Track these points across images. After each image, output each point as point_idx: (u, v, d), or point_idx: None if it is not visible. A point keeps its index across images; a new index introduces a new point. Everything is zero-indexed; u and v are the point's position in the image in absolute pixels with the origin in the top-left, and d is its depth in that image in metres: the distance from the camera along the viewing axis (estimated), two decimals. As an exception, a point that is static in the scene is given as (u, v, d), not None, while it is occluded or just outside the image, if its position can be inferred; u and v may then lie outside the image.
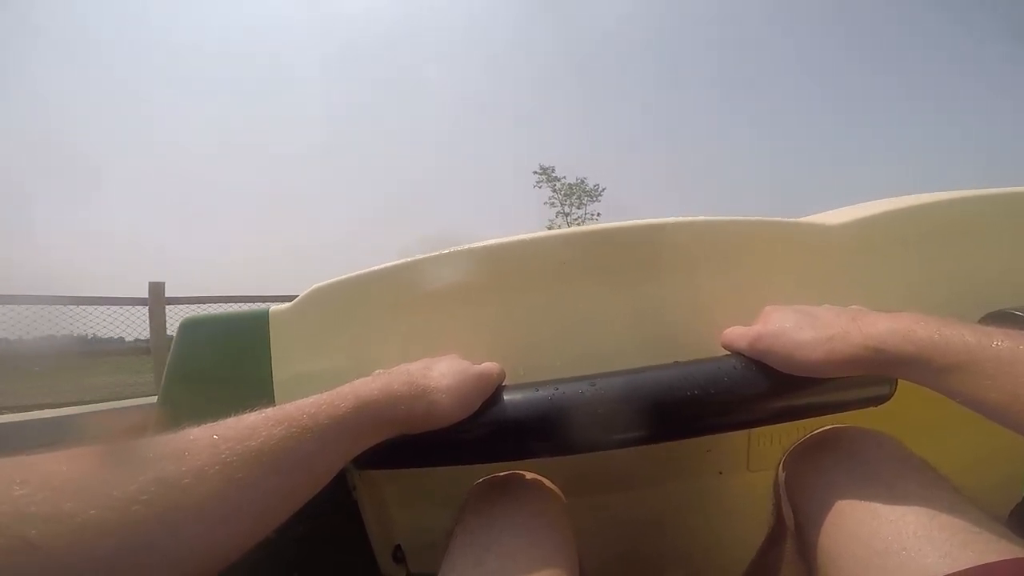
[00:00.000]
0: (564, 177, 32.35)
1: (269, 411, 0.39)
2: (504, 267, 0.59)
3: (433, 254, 0.60)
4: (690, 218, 0.59)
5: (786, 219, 0.62)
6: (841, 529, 0.43)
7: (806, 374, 0.46)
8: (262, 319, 0.62)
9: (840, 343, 0.44)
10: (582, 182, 32.35)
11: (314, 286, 0.62)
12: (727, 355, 0.53)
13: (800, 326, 0.47)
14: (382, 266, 0.60)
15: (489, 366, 0.53)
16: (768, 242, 0.60)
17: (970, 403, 0.38)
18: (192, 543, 0.32)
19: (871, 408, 0.50)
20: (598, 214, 33.16)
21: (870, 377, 0.46)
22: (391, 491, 0.71)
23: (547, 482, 0.56)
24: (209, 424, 0.36)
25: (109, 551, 0.28)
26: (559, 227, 31.50)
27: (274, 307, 0.63)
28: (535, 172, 32.10)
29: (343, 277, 0.61)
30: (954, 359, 0.38)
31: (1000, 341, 0.37)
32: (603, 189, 32.91)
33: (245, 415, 0.38)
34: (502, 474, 0.56)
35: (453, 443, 0.49)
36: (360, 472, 0.65)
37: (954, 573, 0.35)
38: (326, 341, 0.61)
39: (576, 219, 32.25)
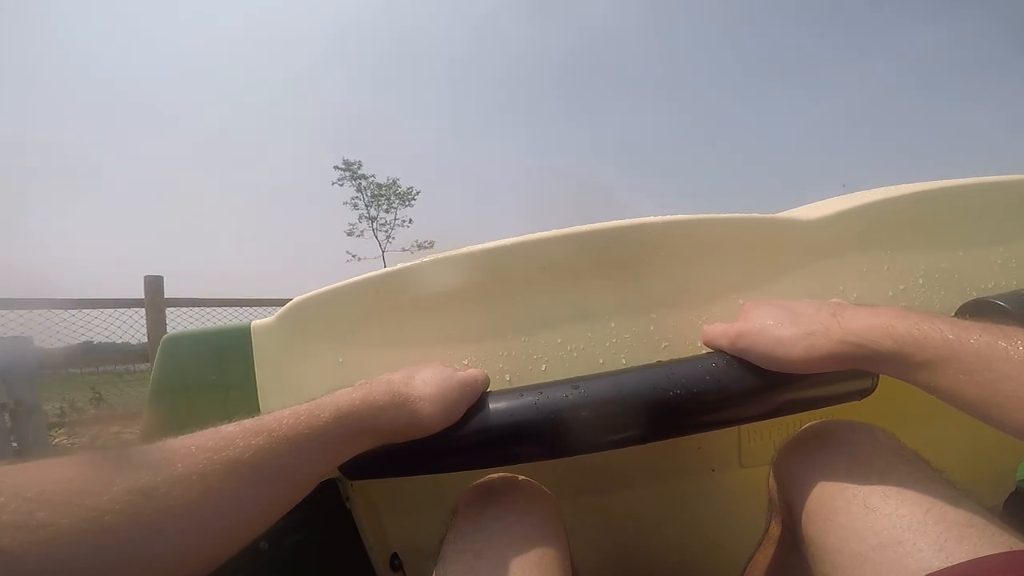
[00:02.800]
0: (373, 175, 28.92)
1: (247, 422, 0.39)
2: (485, 273, 0.59)
3: (413, 262, 0.60)
4: (668, 217, 0.59)
5: (764, 215, 0.62)
6: (836, 523, 0.43)
7: (786, 371, 0.46)
8: (244, 333, 0.62)
9: (820, 339, 0.44)
10: (394, 183, 28.98)
11: (295, 299, 0.62)
12: (709, 353, 0.53)
13: (780, 322, 0.47)
14: (363, 276, 0.61)
15: (473, 373, 0.53)
16: (747, 239, 0.60)
17: (948, 398, 0.38)
18: (167, 552, 0.32)
19: (863, 401, 0.50)
20: (410, 220, 30.03)
21: (852, 372, 0.46)
22: (384, 500, 0.71)
23: (538, 485, 0.56)
24: (187, 435, 0.36)
25: (82, 560, 0.28)
26: (361, 233, 27.68)
27: (255, 321, 0.63)
28: (336, 167, 28.24)
29: (324, 289, 0.61)
30: (933, 354, 0.38)
31: (979, 336, 0.37)
32: (417, 192, 29.61)
33: (223, 426, 0.38)
34: (493, 478, 0.56)
35: (440, 451, 0.49)
36: (352, 482, 0.65)
37: (949, 567, 0.35)
38: (309, 353, 0.61)
39: (382, 225, 29.27)
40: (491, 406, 0.50)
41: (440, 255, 0.60)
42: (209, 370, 0.63)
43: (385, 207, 29.38)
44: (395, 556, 0.74)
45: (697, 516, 0.72)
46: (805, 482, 0.48)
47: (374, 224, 29.47)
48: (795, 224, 0.61)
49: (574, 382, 0.51)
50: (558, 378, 0.53)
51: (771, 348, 0.46)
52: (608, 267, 0.59)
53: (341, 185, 28.66)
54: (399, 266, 0.60)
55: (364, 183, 28.78)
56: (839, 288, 0.59)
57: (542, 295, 0.59)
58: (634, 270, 0.59)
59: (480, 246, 0.60)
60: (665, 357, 0.55)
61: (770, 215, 0.63)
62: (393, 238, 29.71)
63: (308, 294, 0.62)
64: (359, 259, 29.06)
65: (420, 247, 29.91)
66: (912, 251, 0.61)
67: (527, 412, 0.49)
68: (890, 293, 0.60)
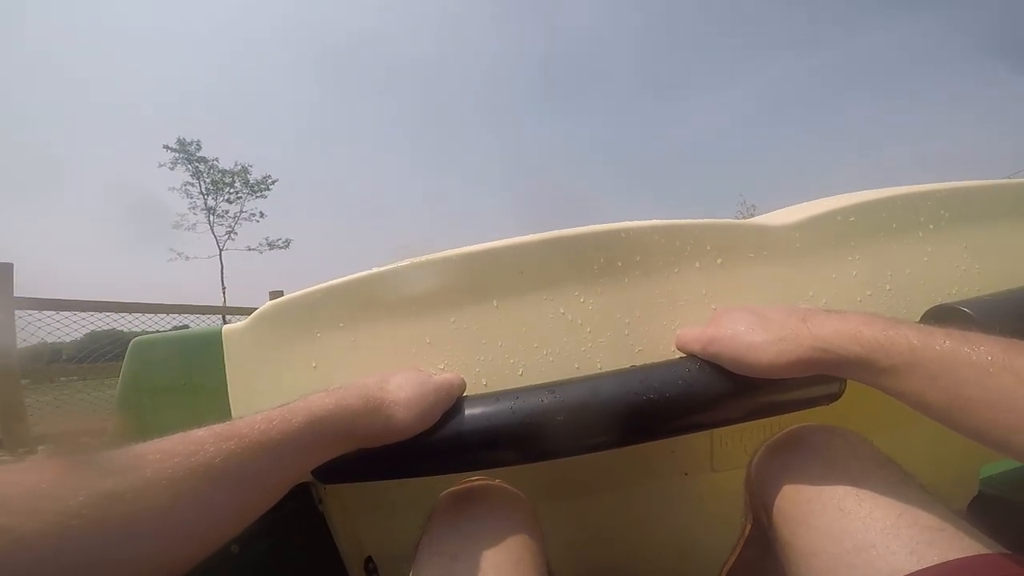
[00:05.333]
0: (215, 159, 24.71)
1: (218, 427, 0.38)
2: (461, 277, 0.59)
3: (387, 267, 0.60)
4: (643, 222, 0.60)
5: (737, 221, 0.63)
6: (811, 527, 0.44)
7: (756, 375, 0.47)
8: (215, 338, 0.61)
9: (789, 344, 0.44)
10: (244, 170, 25.23)
11: (267, 303, 0.61)
12: (682, 358, 0.53)
13: (751, 328, 0.48)
14: (336, 281, 0.60)
15: (448, 377, 0.53)
16: (721, 244, 0.60)
17: (913, 403, 0.39)
18: (135, 557, 0.32)
19: (834, 406, 0.51)
20: (261, 214, 26.30)
21: (820, 377, 0.47)
22: (358, 503, 0.70)
23: (513, 489, 0.56)
24: (156, 440, 0.36)
25: (47, 564, 0.28)
26: (193, 226, 24.57)
27: (227, 326, 0.62)
28: (167, 147, 23.91)
29: (297, 293, 0.61)
30: (898, 360, 0.39)
31: (943, 342, 0.38)
32: (274, 181, 25.94)
33: (193, 431, 0.37)
34: (468, 483, 0.56)
35: (415, 455, 0.49)
36: (326, 486, 0.65)
37: (921, 570, 0.36)
38: (282, 358, 0.60)
39: (221, 217, 25.21)
40: (467, 411, 0.50)
41: (416, 259, 0.60)
42: (179, 375, 0.62)
43: (228, 196, 25.35)
44: (369, 560, 0.74)
45: (671, 519, 0.73)
46: (781, 485, 0.49)
47: (212, 216, 25.35)
48: (767, 230, 0.62)
49: (550, 387, 0.51)
50: (534, 383, 0.53)
51: (742, 353, 0.47)
52: (584, 272, 0.59)
53: (171, 168, 24.36)
54: (374, 270, 0.60)
55: (202, 167, 24.46)
56: (809, 293, 0.61)
57: (518, 299, 0.59)
58: (609, 275, 0.59)
59: (456, 250, 0.60)
60: (639, 362, 0.55)
61: (743, 220, 0.64)
62: (236, 234, 25.98)
63: (281, 298, 0.61)
64: (187, 258, 25.22)
65: (272, 246, 26.56)
66: (880, 257, 0.62)
67: (503, 417, 0.49)
68: (858, 298, 0.61)
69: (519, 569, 0.46)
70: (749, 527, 0.58)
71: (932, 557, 0.37)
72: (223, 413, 0.58)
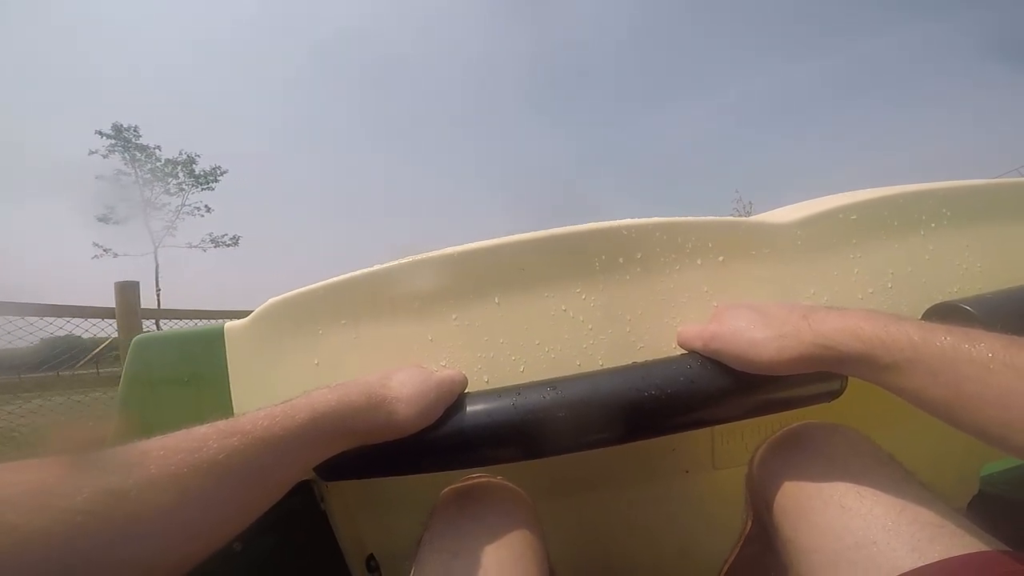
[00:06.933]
0: (157, 147, 22.68)
1: (221, 423, 0.38)
2: (463, 275, 0.59)
3: (389, 264, 0.60)
4: (645, 220, 0.60)
5: (738, 218, 0.63)
6: (812, 524, 0.44)
7: (758, 372, 0.47)
8: (217, 335, 0.62)
9: (791, 341, 0.44)
10: (190, 159, 23.36)
11: (269, 300, 0.61)
12: (683, 354, 0.53)
13: (752, 324, 0.48)
14: (339, 278, 0.60)
15: (450, 373, 0.53)
16: (722, 241, 0.61)
17: (914, 400, 0.39)
18: (140, 554, 0.32)
19: (835, 403, 0.51)
20: (207, 207, 24.22)
21: (822, 373, 0.47)
22: (360, 501, 0.70)
23: (514, 487, 0.57)
24: (159, 436, 0.36)
25: (54, 562, 0.28)
26: (125, 220, 21.78)
27: (229, 323, 0.62)
28: (100, 133, 21.87)
29: (299, 290, 0.61)
30: (899, 356, 0.39)
31: (944, 338, 0.38)
32: (224, 172, 24.04)
33: (196, 427, 0.37)
34: (470, 480, 0.56)
35: (417, 452, 0.49)
36: (328, 483, 0.65)
37: (922, 567, 0.36)
38: (284, 355, 0.60)
39: (159, 208, 23.15)
40: (468, 407, 0.50)
41: (418, 256, 0.60)
42: (181, 372, 0.62)
43: (169, 188, 23.22)
44: (371, 557, 0.74)
45: (672, 517, 0.73)
46: (782, 483, 0.49)
47: (149, 209, 23.10)
48: (768, 227, 0.62)
49: (551, 383, 0.51)
50: (535, 379, 0.53)
51: (743, 349, 0.47)
52: (586, 269, 0.59)
53: (105, 156, 22.34)
54: (376, 267, 0.60)
55: (140, 155, 22.28)
56: (811, 291, 0.61)
57: (520, 296, 0.59)
58: (611, 272, 0.59)
59: (458, 247, 0.60)
60: (641, 359, 0.55)
61: (744, 218, 0.64)
62: (176, 229, 23.87)
63: (283, 295, 0.61)
64: (115, 255, 22.85)
65: (217, 243, 24.66)
66: (881, 255, 0.62)
67: (504, 413, 0.49)
68: (860, 296, 0.61)
69: (520, 566, 0.46)
70: (750, 524, 0.58)
71: (933, 554, 0.37)
72: (225, 410, 0.58)
